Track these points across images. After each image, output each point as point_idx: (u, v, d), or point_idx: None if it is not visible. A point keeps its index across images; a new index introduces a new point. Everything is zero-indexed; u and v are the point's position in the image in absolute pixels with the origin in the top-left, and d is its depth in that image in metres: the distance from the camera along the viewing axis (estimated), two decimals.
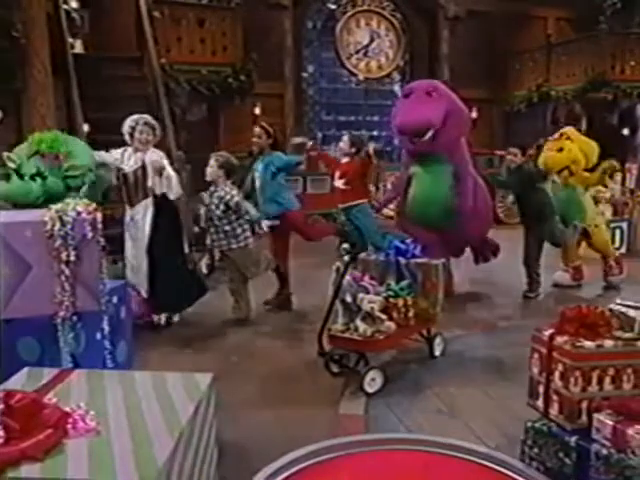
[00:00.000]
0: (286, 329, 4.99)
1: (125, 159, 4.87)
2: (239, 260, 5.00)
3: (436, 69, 13.74)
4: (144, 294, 4.84)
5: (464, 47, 13.26)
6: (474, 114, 14.19)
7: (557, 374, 2.29)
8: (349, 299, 3.77)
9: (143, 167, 4.85)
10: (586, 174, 6.18)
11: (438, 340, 4.31)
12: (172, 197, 4.81)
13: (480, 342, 4.72)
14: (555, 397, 2.30)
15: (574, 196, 6.17)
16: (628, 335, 2.32)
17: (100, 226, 2.78)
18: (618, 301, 2.62)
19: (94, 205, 2.81)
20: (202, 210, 5.19)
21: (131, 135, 4.85)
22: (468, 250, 6.21)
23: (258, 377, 4.01)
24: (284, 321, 5.21)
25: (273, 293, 5.58)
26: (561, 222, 6.10)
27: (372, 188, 9.46)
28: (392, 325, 3.78)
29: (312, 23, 13.99)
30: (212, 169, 4.94)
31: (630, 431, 2.05)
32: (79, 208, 2.70)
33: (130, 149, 4.86)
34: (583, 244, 6.58)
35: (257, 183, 5.47)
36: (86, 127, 7.25)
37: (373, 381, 3.66)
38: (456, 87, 14.20)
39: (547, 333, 2.37)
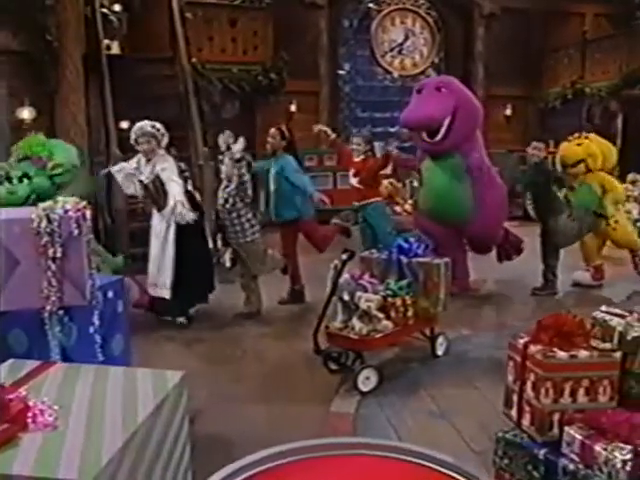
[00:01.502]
0: (294, 325, 4.93)
1: (142, 168, 4.89)
2: (246, 255, 4.97)
3: (471, 66, 13.39)
4: (166, 295, 4.78)
5: (499, 44, 12.84)
6: (508, 111, 13.86)
7: (529, 384, 2.14)
8: (347, 297, 3.67)
9: (157, 177, 4.83)
10: (604, 175, 5.89)
11: (441, 340, 4.16)
12: (171, 202, 4.71)
13: (486, 342, 4.53)
14: (527, 407, 2.16)
15: (590, 189, 5.86)
16: (605, 346, 2.14)
17: (89, 223, 2.79)
18: (603, 308, 2.44)
19: (83, 203, 2.81)
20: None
21: (135, 145, 4.87)
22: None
23: (258, 372, 3.97)
24: (293, 316, 5.15)
25: (287, 291, 5.52)
26: (574, 217, 5.77)
27: (399, 184, 9.27)
28: (389, 324, 3.66)
29: (348, 22, 13.83)
30: (227, 167, 4.90)
31: (597, 447, 1.89)
32: (67, 206, 2.69)
33: (142, 157, 4.87)
34: (608, 243, 6.28)
35: (271, 185, 5.38)
36: (125, 124, 7.38)
37: (367, 380, 3.56)
38: (491, 84, 13.86)
39: (522, 341, 2.21)
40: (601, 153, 5.77)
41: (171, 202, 4.71)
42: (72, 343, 2.87)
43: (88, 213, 2.77)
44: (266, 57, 8.88)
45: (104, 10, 7.72)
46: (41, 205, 2.62)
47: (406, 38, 12.92)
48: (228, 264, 6.99)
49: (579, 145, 5.81)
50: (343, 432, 3.10)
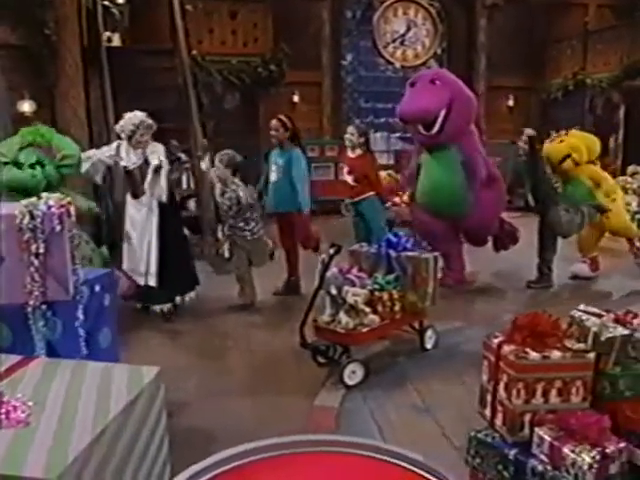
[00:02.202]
0: (286, 316, 4.88)
1: (123, 154, 4.79)
2: (250, 249, 4.95)
3: (473, 57, 13.24)
4: (152, 282, 4.75)
5: (501, 35, 12.66)
6: (510, 102, 13.69)
7: (502, 384, 2.11)
8: (334, 291, 3.64)
9: (146, 161, 4.80)
10: (593, 167, 5.84)
11: (429, 333, 4.13)
12: (161, 197, 4.71)
13: (478, 335, 4.38)
14: (500, 407, 2.12)
15: (580, 182, 5.79)
16: (578, 346, 2.10)
17: (73, 219, 2.77)
18: (581, 307, 2.39)
19: (68, 199, 2.79)
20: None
21: (130, 137, 4.75)
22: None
23: (246, 364, 3.96)
24: (287, 308, 5.12)
25: (282, 282, 5.50)
26: (570, 209, 5.70)
27: (398, 175, 9.18)
28: (376, 318, 3.63)
29: (351, 13, 13.69)
30: (219, 170, 4.85)
31: (565, 449, 1.86)
32: (51, 202, 2.67)
33: (125, 143, 4.79)
34: (606, 234, 6.21)
35: (273, 176, 5.31)
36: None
37: (353, 374, 3.54)
38: (493, 75, 13.66)
39: (496, 341, 2.18)
40: (585, 145, 5.71)
41: (155, 162, 4.68)
42: (57, 337, 2.86)
43: (72, 209, 2.76)
44: (266, 49, 8.80)
45: (105, 2, 7.65)
46: (23, 201, 2.60)
47: (408, 29, 12.76)
48: (227, 255, 6.99)
49: (561, 142, 5.76)
50: (325, 426, 3.09)
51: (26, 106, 5.83)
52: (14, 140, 4.02)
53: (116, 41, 7.85)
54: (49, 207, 2.64)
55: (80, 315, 2.91)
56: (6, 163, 3.84)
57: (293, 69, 10.63)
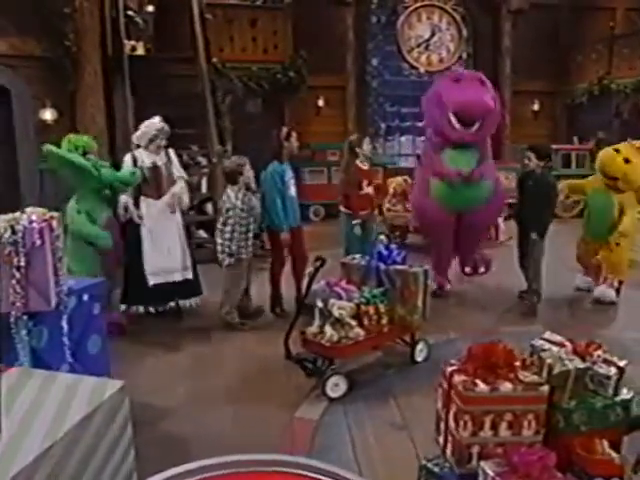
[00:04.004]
0: (282, 325, 4.84)
1: (145, 159, 4.86)
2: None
3: (498, 61, 12.91)
4: (189, 275, 4.91)
5: (526, 39, 12.32)
6: (536, 106, 13.33)
7: (452, 414, 2.03)
8: (320, 304, 3.59)
9: (168, 160, 4.99)
10: (632, 201, 5.32)
11: (420, 346, 4.04)
12: (185, 205, 4.97)
13: None
14: (450, 437, 2.05)
15: (609, 201, 5.32)
16: (532, 378, 2.01)
17: (57, 232, 2.81)
18: (546, 335, 2.29)
19: (52, 214, 2.83)
20: None
21: (152, 140, 4.85)
22: None
23: (235, 372, 3.95)
24: (283, 317, 5.01)
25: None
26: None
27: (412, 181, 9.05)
28: (361, 332, 3.57)
29: (376, 18, 13.56)
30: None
31: None
32: (33, 217, 2.72)
33: (142, 151, 4.88)
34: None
35: (292, 191, 5.01)
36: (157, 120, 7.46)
37: (336, 386, 3.48)
38: (518, 80, 13.34)
39: (449, 369, 2.10)
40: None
41: (181, 183, 4.94)
42: (43, 346, 2.91)
43: (55, 223, 2.80)
44: (286, 56, 8.77)
45: (130, 12, 7.75)
46: (4, 217, 2.66)
47: (432, 34, 12.53)
48: None
49: (627, 162, 5.17)
50: (301, 439, 3.06)
51: (48, 114, 5.96)
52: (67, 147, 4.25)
53: (140, 50, 7.94)
54: (31, 222, 2.68)
55: (65, 325, 2.96)
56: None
57: (317, 74, 10.61)
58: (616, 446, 2.00)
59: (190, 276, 4.94)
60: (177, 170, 5.07)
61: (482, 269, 5.73)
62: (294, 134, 5.07)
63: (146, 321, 4.89)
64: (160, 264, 4.80)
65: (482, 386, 1.96)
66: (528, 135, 12.36)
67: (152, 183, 4.89)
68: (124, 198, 4.73)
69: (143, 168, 4.83)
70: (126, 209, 4.76)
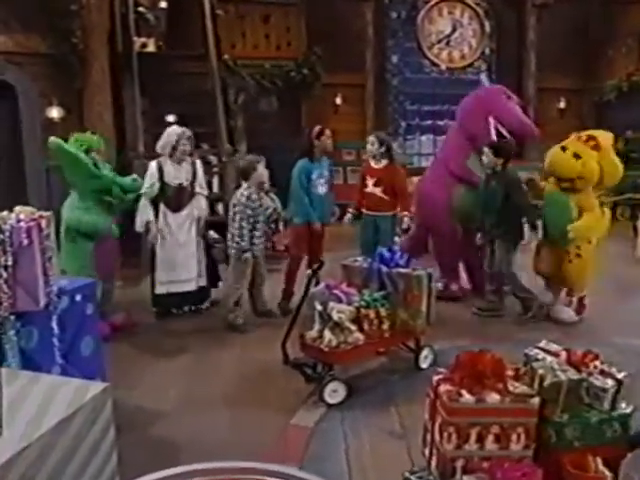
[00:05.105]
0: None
1: (172, 170, 4.94)
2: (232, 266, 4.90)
3: (523, 57, 12.72)
4: (203, 283, 5.16)
5: (552, 34, 12.09)
6: (562, 104, 13.08)
7: (437, 425, 1.99)
8: (319, 307, 3.56)
9: (194, 176, 5.06)
10: (591, 201, 4.82)
11: (425, 352, 3.98)
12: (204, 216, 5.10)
13: None
14: (435, 450, 2.00)
15: (565, 204, 4.79)
16: (522, 390, 1.95)
17: (46, 232, 2.84)
18: (542, 344, 2.23)
19: (42, 213, 2.86)
20: None
21: (174, 147, 4.90)
22: None
23: (235, 375, 3.94)
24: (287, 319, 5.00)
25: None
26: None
27: None
28: (360, 336, 3.53)
29: (396, 13, 13.45)
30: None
31: None
32: (21, 216, 2.75)
33: (168, 161, 4.93)
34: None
35: (324, 188, 5.19)
36: (172, 118, 7.54)
37: (335, 392, 3.45)
38: (544, 76, 13.12)
39: (436, 378, 2.06)
40: (599, 174, 4.69)
41: (202, 201, 5.12)
42: (33, 346, 2.94)
43: (44, 222, 2.82)
44: (299, 53, 8.75)
45: (140, 9, 7.83)
46: None
47: (454, 29, 12.40)
48: None
49: (578, 157, 4.69)
50: (295, 446, 3.03)
51: (54, 112, 6.05)
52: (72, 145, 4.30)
53: (151, 47, 8.01)
54: (18, 221, 2.71)
55: (54, 325, 2.98)
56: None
57: (334, 71, 10.57)
58: (612, 465, 1.93)
59: (204, 283, 5.17)
60: (199, 186, 5.12)
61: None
62: (327, 133, 5.22)
63: (146, 322, 4.93)
64: (169, 277, 4.97)
65: (467, 397, 1.91)
66: (553, 134, 12.05)
67: (174, 200, 5.00)
68: (146, 215, 4.85)
69: (168, 185, 4.94)
70: (147, 229, 4.88)
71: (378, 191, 5.34)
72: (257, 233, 4.74)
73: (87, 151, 4.42)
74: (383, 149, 5.30)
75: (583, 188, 4.76)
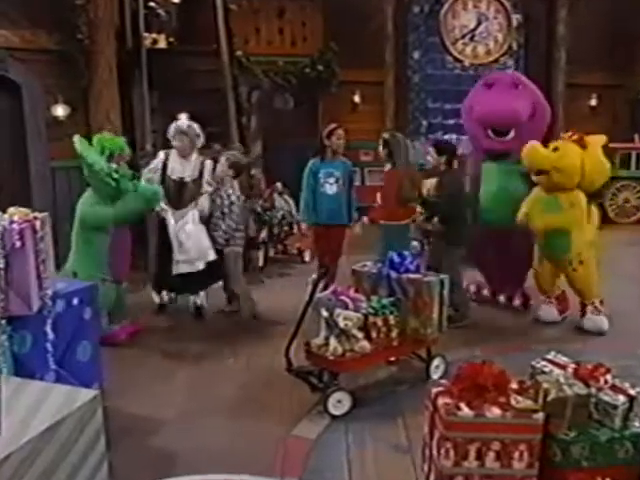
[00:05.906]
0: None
1: (176, 164, 4.96)
2: (228, 263, 4.91)
3: (553, 52, 12.53)
4: (201, 266, 4.93)
5: (584, 28, 11.90)
6: (593, 101, 12.86)
7: (435, 441, 1.96)
8: (325, 314, 3.54)
9: (200, 175, 5.03)
10: (578, 197, 4.74)
11: (437, 362, 3.94)
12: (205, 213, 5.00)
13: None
14: (433, 466, 1.98)
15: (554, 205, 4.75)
16: (526, 404, 1.91)
17: (41, 234, 2.87)
18: (551, 355, 2.18)
19: (36, 214, 2.89)
20: None
21: (171, 140, 5.00)
22: None
23: (239, 383, 3.96)
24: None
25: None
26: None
27: None
28: (367, 345, 3.50)
29: (419, 8, 13.39)
30: (222, 167, 4.91)
31: None
32: (15, 218, 2.78)
33: (174, 154, 4.99)
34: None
35: (333, 188, 5.19)
36: (183, 116, 7.59)
37: (339, 403, 3.43)
38: (574, 72, 12.93)
39: (435, 390, 2.03)
40: (580, 170, 4.62)
41: (205, 204, 5.00)
42: (26, 352, 2.97)
43: (38, 224, 2.86)
44: (315, 49, 8.75)
45: (152, 4, 7.91)
46: None
47: (479, 23, 12.28)
48: (261, 263, 7.06)
49: (556, 150, 4.74)
50: (295, 458, 3.02)
51: (60, 110, 6.14)
52: (94, 149, 4.29)
53: (162, 43, 8.07)
54: (11, 222, 2.74)
55: (49, 329, 3.01)
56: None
57: (352, 68, 10.54)
58: None
59: (201, 266, 4.91)
60: (205, 185, 5.07)
61: (517, 302, 5.47)
62: (338, 133, 5.21)
63: (149, 328, 4.96)
64: (178, 256, 4.91)
65: (466, 410, 1.88)
66: (584, 132, 11.92)
67: (174, 195, 5.00)
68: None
69: (169, 177, 4.96)
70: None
71: (379, 198, 5.37)
72: (235, 233, 4.99)
73: (110, 155, 4.32)
74: (385, 151, 5.23)
75: (564, 184, 4.64)
